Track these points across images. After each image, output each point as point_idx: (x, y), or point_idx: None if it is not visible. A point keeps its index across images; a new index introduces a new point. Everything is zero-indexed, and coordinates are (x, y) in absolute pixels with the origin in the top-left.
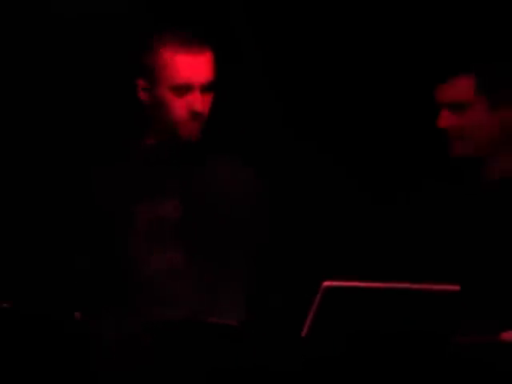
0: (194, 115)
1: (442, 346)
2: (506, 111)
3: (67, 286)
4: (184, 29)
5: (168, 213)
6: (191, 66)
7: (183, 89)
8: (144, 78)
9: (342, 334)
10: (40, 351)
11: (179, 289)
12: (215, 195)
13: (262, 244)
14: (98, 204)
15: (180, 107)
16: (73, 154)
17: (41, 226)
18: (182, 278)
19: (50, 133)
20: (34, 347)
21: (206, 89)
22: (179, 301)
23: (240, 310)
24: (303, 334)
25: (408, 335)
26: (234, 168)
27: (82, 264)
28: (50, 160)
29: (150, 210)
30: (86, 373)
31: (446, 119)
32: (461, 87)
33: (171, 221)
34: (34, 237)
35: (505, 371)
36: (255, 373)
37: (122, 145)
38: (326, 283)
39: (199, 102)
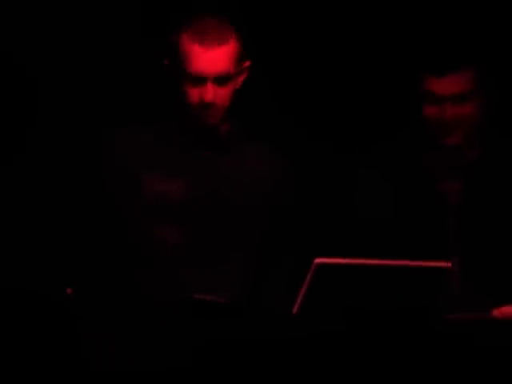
0: (205, 105)
1: (433, 322)
2: (487, 99)
3: (60, 257)
4: (207, 18)
5: (171, 191)
6: (204, 58)
7: (196, 78)
8: (168, 59)
9: (333, 311)
10: (30, 329)
11: (169, 264)
12: (235, 182)
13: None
14: (108, 166)
15: (193, 95)
16: (92, 115)
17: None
18: (176, 255)
19: (76, 94)
20: (24, 325)
21: (220, 81)
22: (168, 276)
23: (234, 292)
24: (294, 310)
25: (399, 312)
26: (260, 156)
27: (81, 224)
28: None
29: (155, 183)
30: (78, 350)
31: (450, 111)
32: (465, 80)
33: (173, 199)
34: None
35: (495, 348)
36: (247, 350)
37: (147, 117)
38: (318, 260)
39: (210, 93)
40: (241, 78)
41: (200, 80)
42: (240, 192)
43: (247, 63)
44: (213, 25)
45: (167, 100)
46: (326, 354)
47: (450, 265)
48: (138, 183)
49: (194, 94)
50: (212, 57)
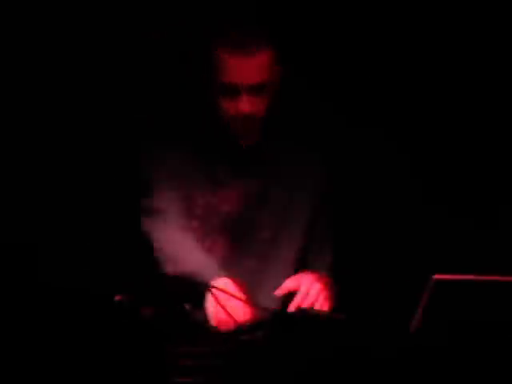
0: (242, 116)
1: None
2: None
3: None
4: (240, 28)
5: (223, 205)
6: (238, 68)
7: (230, 89)
8: (206, 71)
9: (451, 328)
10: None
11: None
12: (278, 189)
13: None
14: (160, 182)
15: (229, 107)
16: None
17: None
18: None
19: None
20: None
21: (256, 90)
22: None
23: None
24: (412, 327)
25: None
26: (300, 157)
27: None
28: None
29: (206, 198)
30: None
31: None
32: None
33: (223, 213)
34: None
35: None
36: (362, 367)
37: (196, 133)
38: (436, 276)
39: (245, 104)
40: (275, 86)
41: (235, 90)
42: (284, 196)
43: (280, 69)
44: (245, 34)
45: (207, 115)
46: (444, 371)
47: None
48: (186, 199)
49: (230, 105)
50: (247, 66)
